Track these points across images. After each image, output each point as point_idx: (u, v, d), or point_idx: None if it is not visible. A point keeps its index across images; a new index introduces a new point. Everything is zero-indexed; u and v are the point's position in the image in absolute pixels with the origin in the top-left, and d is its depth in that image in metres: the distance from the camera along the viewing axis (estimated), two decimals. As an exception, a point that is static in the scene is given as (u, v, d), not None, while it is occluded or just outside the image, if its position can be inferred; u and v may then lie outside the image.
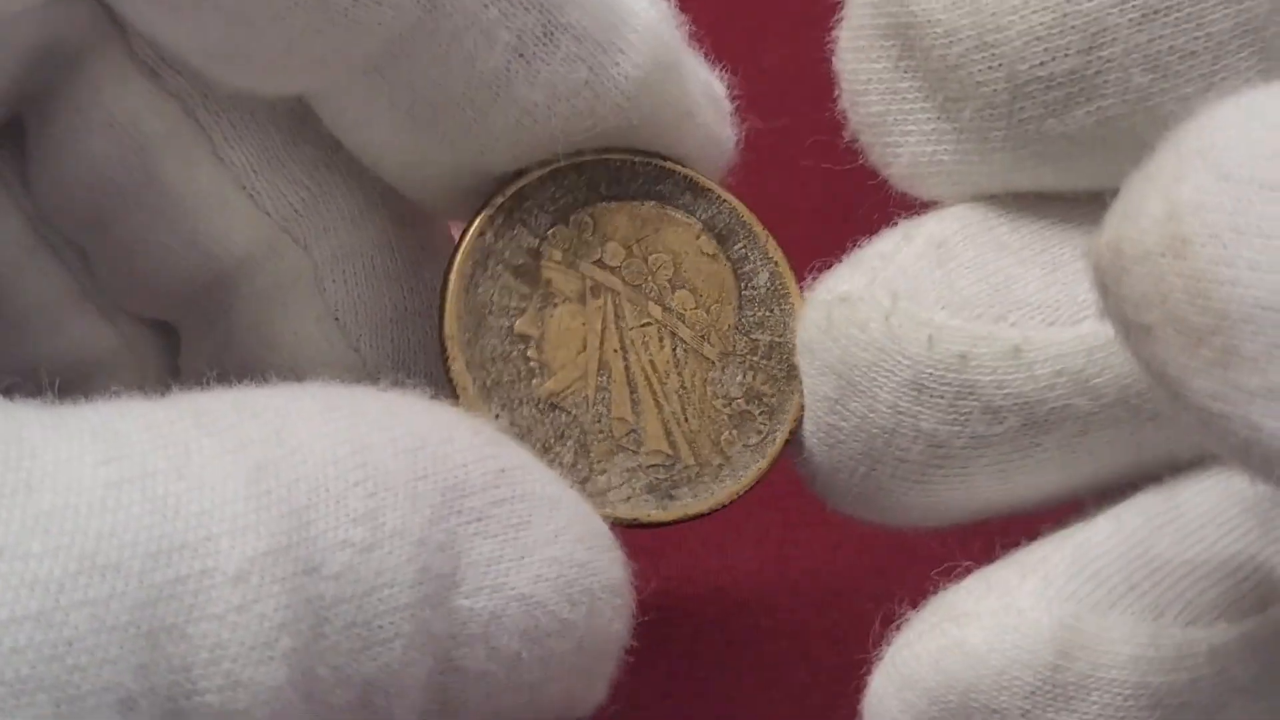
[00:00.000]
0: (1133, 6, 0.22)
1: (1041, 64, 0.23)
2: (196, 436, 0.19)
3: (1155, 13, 0.22)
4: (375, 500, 0.19)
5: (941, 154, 0.25)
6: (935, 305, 0.24)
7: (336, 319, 0.26)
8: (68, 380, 0.26)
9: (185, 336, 0.28)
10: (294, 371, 0.25)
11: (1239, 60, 0.22)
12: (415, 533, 0.19)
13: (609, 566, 0.22)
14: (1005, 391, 0.23)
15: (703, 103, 0.26)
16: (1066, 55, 0.23)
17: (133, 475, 0.18)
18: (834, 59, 0.26)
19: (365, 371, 0.26)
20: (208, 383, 0.22)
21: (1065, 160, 0.24)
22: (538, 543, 0.21)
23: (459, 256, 0.25)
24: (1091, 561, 0.23)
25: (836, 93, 0.26)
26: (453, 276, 0.25)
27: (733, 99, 0.27)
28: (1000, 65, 0.23)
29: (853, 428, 0.24)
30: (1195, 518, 0.23)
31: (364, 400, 0.21)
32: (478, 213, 0.25)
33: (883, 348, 0.24)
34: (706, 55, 0.26)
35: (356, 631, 0.19)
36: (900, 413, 0.24)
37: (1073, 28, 0.23)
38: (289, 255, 0.26)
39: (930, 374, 0.24)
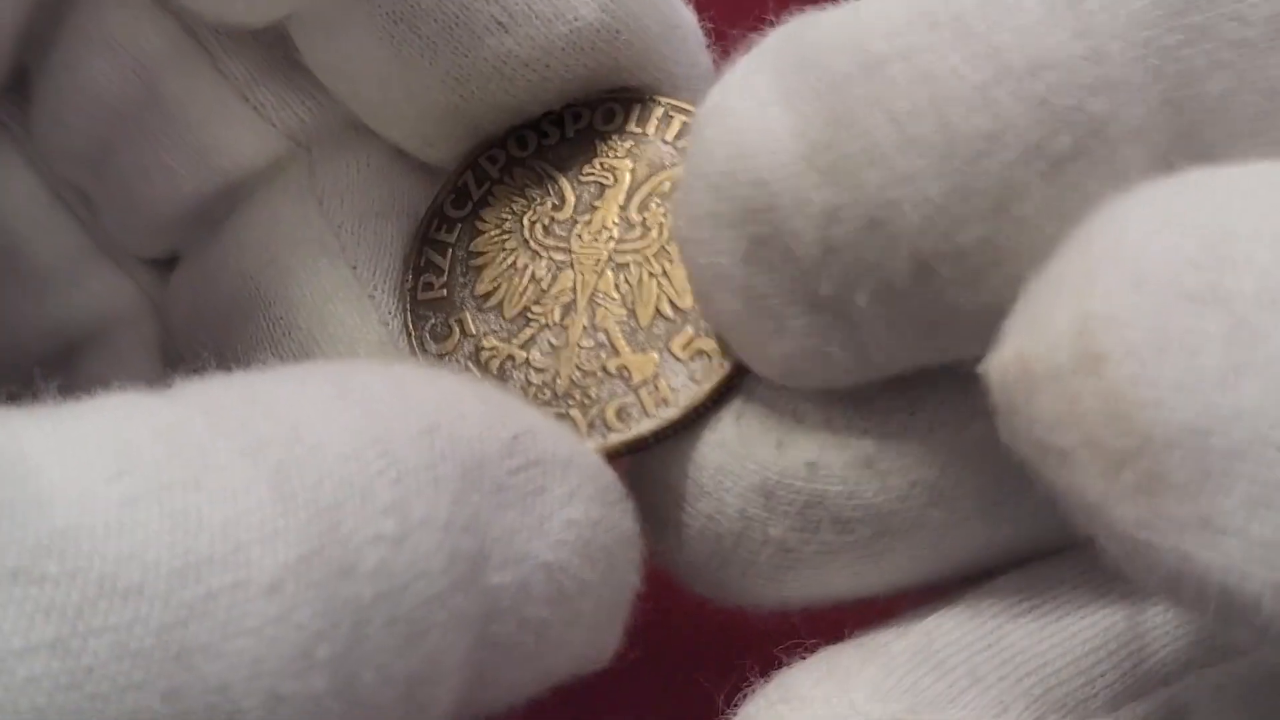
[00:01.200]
0: (1040, 157, 0.19)
1: (946, 237, 0.19)
2: (210, 439, 0.17)
3: (1065, 161, 0.19)
4: (400, 488, 0.18)
5: (828, 348, 0.21)
6: (787, 409, 0.23)
7: (320, 202, 0.26)
8: (91, 337, 0.28)
9: (183, 256, 0.28)
10: (271, 254, 0.26)
11: None
12: (441, 517, 0.18)
13: (621, 519, 0.21)
14: (856, 503, 0.22)
15: (686, 19, 0.25)
16: (973, 223, 0.19)
17: (148, 489, 0.17)
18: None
19: (342, 254, 0.26)
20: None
21: (981, 329, 0.20)
22: (554, 507, 0.20)
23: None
24: (936, 651, 0.22)
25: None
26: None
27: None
28: (898, 244, 0.20)
29: (699, 529, 0.23)
30: (1057, 606, 0.23)
31: (372, 381, 0.19)
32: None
33: (732, 450, 0.23)
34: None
35: (398, 628, 0.17)
36: (748, 518, 0.23)
37: (976, 191, 0.19)
38: (290, 156, 0.26)
39: (779, 481, 0.22)
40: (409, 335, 0.24)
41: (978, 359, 0.19)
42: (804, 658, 0.24)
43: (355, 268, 0.26)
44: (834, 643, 0.24)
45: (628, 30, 0.24)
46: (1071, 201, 0.19)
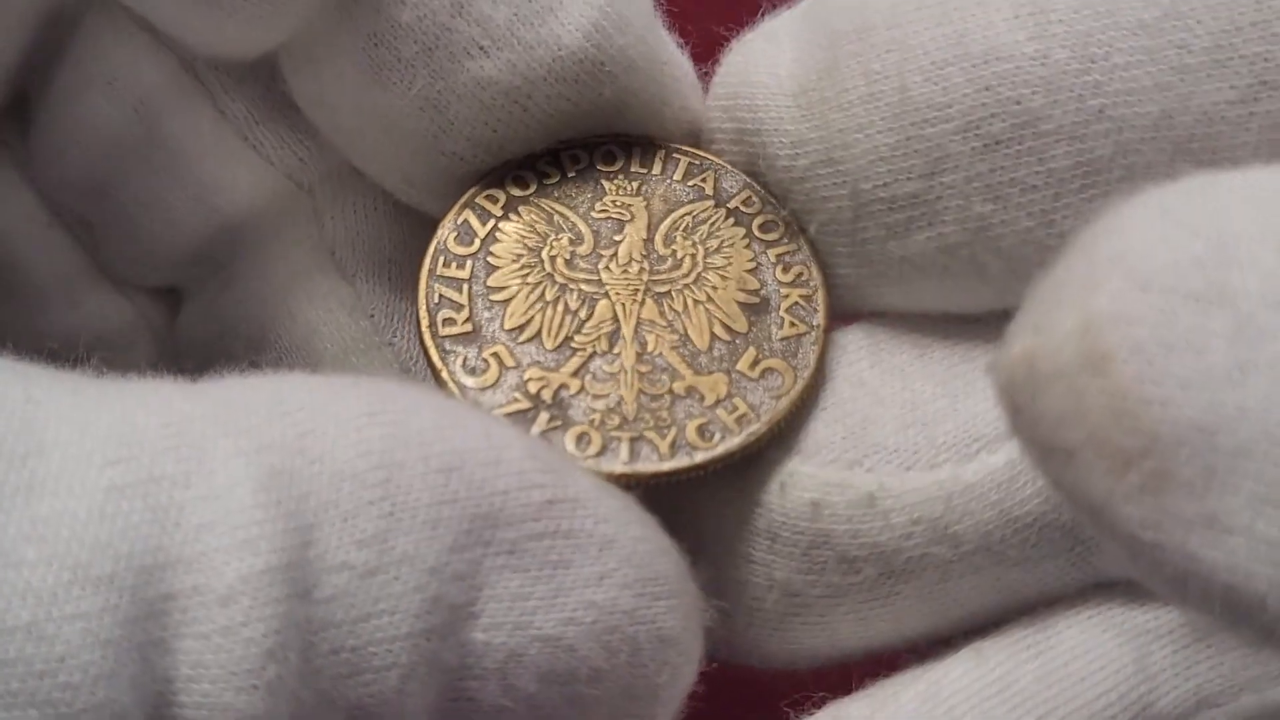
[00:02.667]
0: (975, 135, 0.22)
1: (884, 185, 0.23)
2: (214, 437, 0.17)
3: (997, 144, 0.22)
4: (389, 522, 0.18)
5: None
6: (788, 450, 0.23)
7: (333, 253, 0.26)
8: (88, 357, 0.26)
9: (187, 294, 0.28)
10: (289, 308, 0.26)
11: (1080, 199, 0.22)
12: (429, 560, 0.18)
13: (662, 616, 0.20)
14: (860, 541, 0.22)
15: (677, 60, 0.25)
16: (909, 178, 0.22)
17: (138, 479, 0.17)
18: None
19: (359, 306, 0.26)
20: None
21: (907, 283, 0.23)
22: (576, 584, 0.19)
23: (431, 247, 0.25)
24: (945, 698, 0.22)
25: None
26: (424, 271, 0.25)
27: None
28: (845, 182, 0.23)
29: (706, 577, 0.22)
30: (1064, 651, 0.22)
31: (412, 408, 0.19)
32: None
33: (734, 495, 0.23)
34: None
35: (344, 657, 0.17)
36: (753, 562, 0.23)
37: (915, 151, 0.22)
38: (291, 198, 0.26)
39: (783, 523, 0.23)
40: (436, 371, 0.23)
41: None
42: (811, 713, 0.23)
43: (373, 316, 0.26)
44: (841, 696, 0.23)
45: (612, 63, 0.24)
46: (999, 182, 0.22)
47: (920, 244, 0.23)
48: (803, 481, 0.23)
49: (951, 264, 0.23)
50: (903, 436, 0.23)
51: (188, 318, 0.28)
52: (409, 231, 0.26)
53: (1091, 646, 0.22)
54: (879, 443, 0.23)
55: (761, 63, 0.24)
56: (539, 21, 0.23)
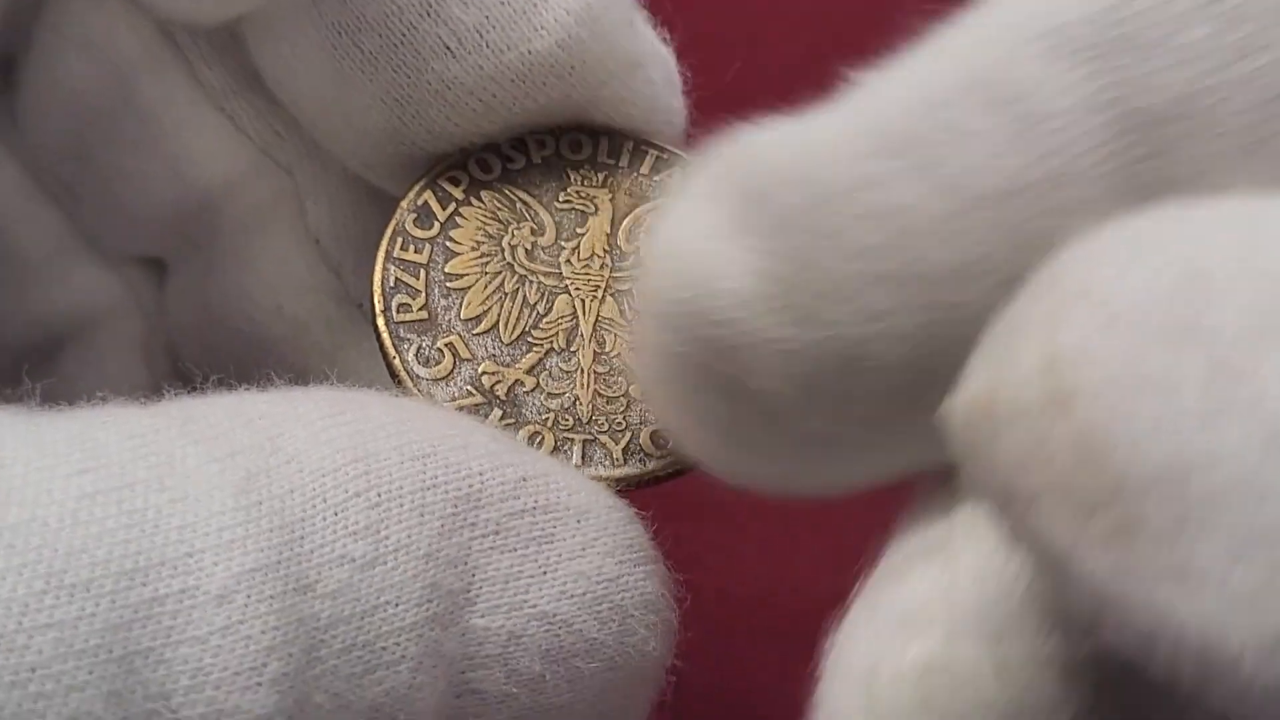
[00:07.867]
0: (982, 272, 0.18)
1: (929, 369, 0.18)
2: (182, 445, 0.17)
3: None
4: (378, 512, 0.18)
5: (817, 471, 0.20)
6: (1037, 635, 0.18)
7: (318, 242, 0.26)
8: (74, 331, 0.29)
9: (172, 269, 0.28)
10: (277, 303, 0.26)
11: None
12: (422, 546, 0.18)
13: (643, 581, 0.20)
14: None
15: (652, 60, 0.25)
16: (960, 348, 0.17)
17: (110, 486, 0.16)
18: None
19: (347, 297, 0.26)
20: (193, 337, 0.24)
21: None
22: (562, 557, 0.19)
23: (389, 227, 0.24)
24: None
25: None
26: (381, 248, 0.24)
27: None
28: (880, 376, 0.18)
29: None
30: None
31: (372, 406, 0.19)
32: (414, 182, 0.25)
33: (1003, 710, 0.18)
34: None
35: (356, 655, 0.17)
36: None
37: (960, 320, 0.18)
38: (271, 178, 0.26)
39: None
40: (389, 359, 0.23)
41: None
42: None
43: (362, 306, 0.26)
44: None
45: (582, 67, 0.24)
46: None
47: None
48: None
49: None
50: None
51: (173, 297, 0.28)
52: (391, 213, 0.26)
53: None
54: None
55: (704, 265, 0.19)
56: (510, 26, 0.23)
